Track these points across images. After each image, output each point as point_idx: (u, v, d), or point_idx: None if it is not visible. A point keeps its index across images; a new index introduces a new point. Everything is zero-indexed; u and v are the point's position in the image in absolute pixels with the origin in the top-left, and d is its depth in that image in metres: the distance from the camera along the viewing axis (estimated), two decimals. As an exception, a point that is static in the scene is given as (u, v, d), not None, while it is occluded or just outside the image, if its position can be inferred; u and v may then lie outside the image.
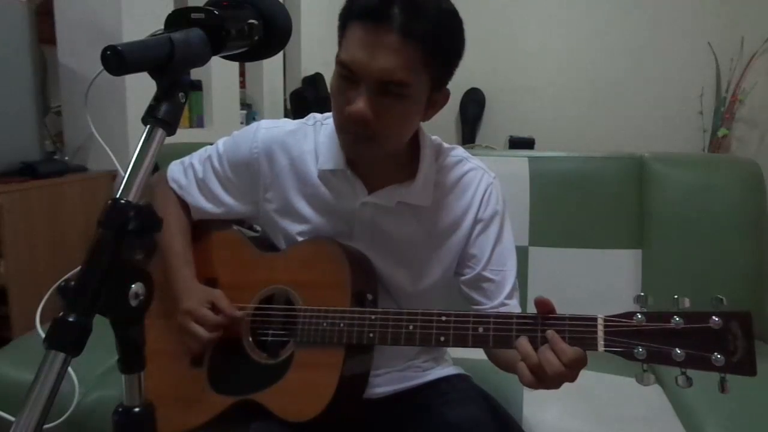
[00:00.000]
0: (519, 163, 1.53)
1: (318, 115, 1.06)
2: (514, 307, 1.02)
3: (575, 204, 1.49)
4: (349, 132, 0.88)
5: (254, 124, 1.07)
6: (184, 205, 1.09)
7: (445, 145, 1.06)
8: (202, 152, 1.10)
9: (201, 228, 1.10)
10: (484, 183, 1.03)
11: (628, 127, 4.37)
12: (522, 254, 1.47)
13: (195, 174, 1.08)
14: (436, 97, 0.92)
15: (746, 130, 4.26)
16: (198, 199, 1.07)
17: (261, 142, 1.03)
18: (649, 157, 1.51)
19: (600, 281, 1.45)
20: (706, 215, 1.43)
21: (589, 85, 4.51)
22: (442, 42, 0.85)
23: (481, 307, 1.00)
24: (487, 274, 1.01)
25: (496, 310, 0.99)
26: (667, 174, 1.48)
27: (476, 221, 1.01)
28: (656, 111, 4.38)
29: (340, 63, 0.85)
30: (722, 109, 4.19)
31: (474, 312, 0.85)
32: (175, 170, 1.11)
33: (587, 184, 1.51)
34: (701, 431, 1.11)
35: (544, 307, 0.79)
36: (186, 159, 1.11)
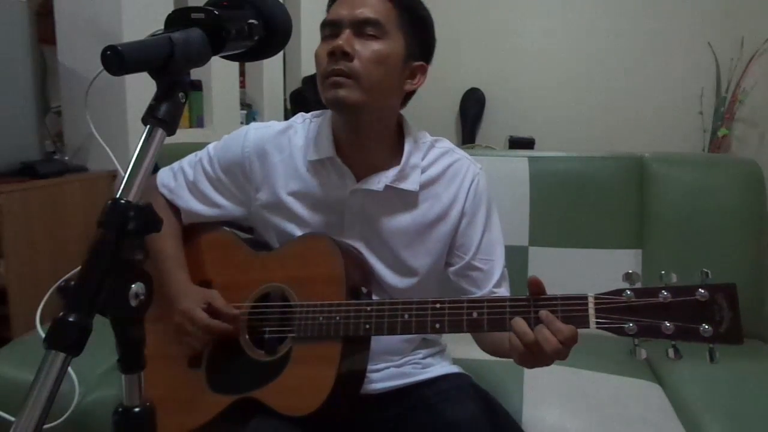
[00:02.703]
0: (519, 163, 1.53)
1: (306, 114, 1.09)
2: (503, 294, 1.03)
3: (575, 204, 1.49)
4: (332, 75, 0.93)
5: (244, 127, 1.09)
6: (175, 210, 1.10)
7: (431, 136, 1.09)
8: (191, 157, 1.12)
9: (192, 231, 1.10)
10: (471, 173, 1.05)
11: (628, 127, 4.37)
12: (522, 254, 1.47)
13: (185, 177, 1.09)
14: (414, 67, 0.99)
15: (746, 130, 4.26)
16: (189, 202, 1.08)
17: (252, 142, 1.05)
18: (649, 157, 1.51)
19: (600, 281, 1.44)
20: (706, 215, 1.43)
21: (589, 85, 4.51)
22: (410, 4, 0.98)
23: (471, 296, 1.02)
24: (475, 263, 1.03)
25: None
26: (667, 174, 1.48)
27: (464, 211, 1.03)
28: (656, 111, 4.37)
29: (325, 23, 0.96)
30: (722, 109, 4.19)
31: (467, 298, 0.85)
32: (164, 176, 1.12)
33: (587, 184, 1.51)
34: (701, 431, 1.11)
35: (536, 287, 0.81)
36: (175, 165, 1.13)
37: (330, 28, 0.96)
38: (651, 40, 4.36)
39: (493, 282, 1.03)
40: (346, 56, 0.92)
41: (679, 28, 4.29)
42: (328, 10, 0.99)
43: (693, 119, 4.29)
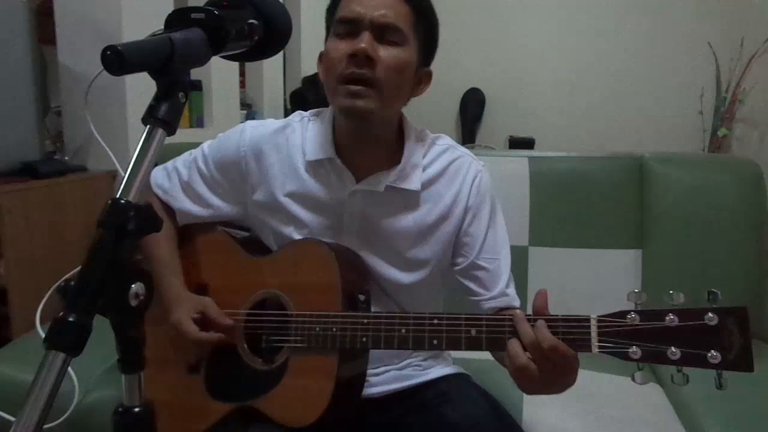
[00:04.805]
0: (519, 163, 1.53)
1: (304, 112, 1.06)
2: (513, 297, 1.02)
3: (575, 204, 1.49)
4: (352, 80, 0.89)
5: (240, 125, 1.06)
6: (169, 211, 1.08)
7: (432, 134, 1.07)
8: (186, 156, 1.09)
9: (188, 232, 1.08)
10: (473, 170, 1.03)
11: (628, 127, 4.37)
12: (522, 254, 1.47)
13: (179, 177, 1.07)
14: (422, 75, 0.99)
15: (746, 130, 4.26)
16: (184, 203, 1.06)
17: (248, 141, 1.03)
18: (649, 157, 1.51)
19: (600, 281, 1.45)
20: (706, 215, 1.43)
21: (589, 85, 4.51)
22: (426, 10, 0.96)
23: (480, 297, 1.00)
24: (480, 262, 1.01)
25: (497, 300, 0.99)
26: (667, 174, 1.48)
27: (467, 209, 1.01)
28: (656, 111, 4.38)
29: (341, 20, 0.92)
30: (722, 109, 4.19)
31: (466, 313, 0.84)
32: (158, 176, 1.09)
33: (587, 184, 1.51)
34: (701, 431, 1.11)
35: (541, 300, 0.80)
36: (169, 164, 1.10)
37: (347, 25, 0.91)
38: (651, 40, 4.36)
39: (501, 283, 1.01)
40: (370, 61, 0.88)
41: (679, 28, 4.29)
42: (337, 3, 0.95)
43: (693, 119, 4.29)
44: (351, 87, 0.89)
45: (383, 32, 0.90)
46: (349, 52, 0.89)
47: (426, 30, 0.96)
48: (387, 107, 0.93)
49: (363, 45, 0.88)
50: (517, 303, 1.02)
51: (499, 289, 1.00)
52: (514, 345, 0.78)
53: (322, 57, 0.97)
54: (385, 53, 0.90)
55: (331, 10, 0.97)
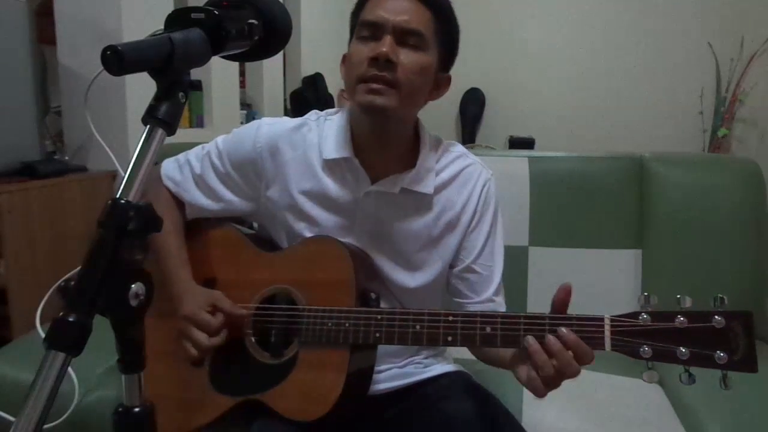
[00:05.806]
0: (519, 163, 1.53)
1: (319, 112, 1.07)
2: (500, 304, 1.03)
3: (575, 204, 1.49)
4: (372, 81, 0.91)
5: (255, 122, 1.07)
6: (179, 204, 1.08)
7: (445, 140, 1.08)
8: (198, 149, 1.09)
9: (197, 226, 1.08)
10: (483, 178, 1.05)
11: (628, 127, 4.38)
12: (522, 254, 1.47)
13: (192, 170, 1.07)
14: (441, 79, 1.00)
15: (746, 130, 4.27)
16: (195, 196, 1.06)
17: (264, 138, 1.03)
18: (649, 157, 1.51)
19: (600, 281, 1.45)
20: (706, 215, 1.43)
21: (589, 85, 4.52)
22: (447, 16, 0.98)
23: (467, 300, 1.02)
24: (475, 267, 1.03)
25: (483, 305, 1.01)
26: (667, 174, 1.48)
27: (474, 215, 1.03)
28: (656, 111, 4.38)
29: (364, 23, 0.94)
30: (722, 109, 4.20)
31: (480, 312, 0.85)
32: (169, 168, 1.09)
33: (587, 184, 1.51)
34: (701, 431, 1.11)
35: (562, 295, 0.80)
36: (181, 156, 1.10)
37: (369, 29, 0.93)
38: (651, 40, 4.37)
39: (491, 289, 1.02)
40: (390, 64, 0.90)
41: (679, 28, 4.30)
42: (362, 7, 0.97)
43: (693, 119, 4.30)
44: (371, 85, 0.91)
45: (405, 36, 0.92)
46: (371, 55, 0.91)
47: (446, 36, 0.98)
48: (405, 107, 0.95)
49: (384, 49, 0.90)
50: (502, 311, 1.03)
51: (486, 295, 1.02)
52: (531, 341, 0.79)
53: (345, 59, 0.99)
54: (406, 57, 0.92)
55: (357, 13, 0.98)
